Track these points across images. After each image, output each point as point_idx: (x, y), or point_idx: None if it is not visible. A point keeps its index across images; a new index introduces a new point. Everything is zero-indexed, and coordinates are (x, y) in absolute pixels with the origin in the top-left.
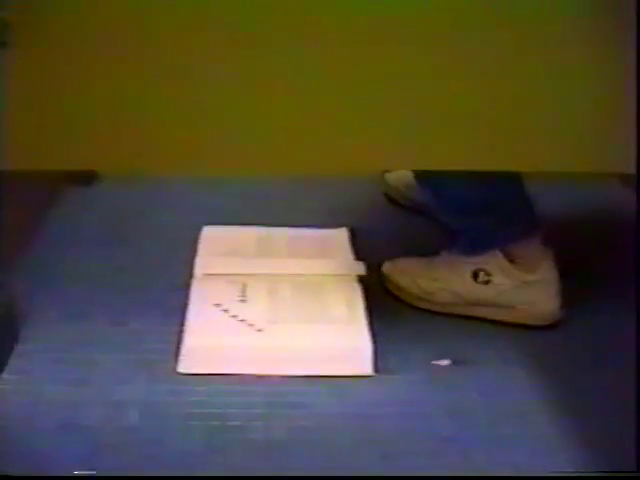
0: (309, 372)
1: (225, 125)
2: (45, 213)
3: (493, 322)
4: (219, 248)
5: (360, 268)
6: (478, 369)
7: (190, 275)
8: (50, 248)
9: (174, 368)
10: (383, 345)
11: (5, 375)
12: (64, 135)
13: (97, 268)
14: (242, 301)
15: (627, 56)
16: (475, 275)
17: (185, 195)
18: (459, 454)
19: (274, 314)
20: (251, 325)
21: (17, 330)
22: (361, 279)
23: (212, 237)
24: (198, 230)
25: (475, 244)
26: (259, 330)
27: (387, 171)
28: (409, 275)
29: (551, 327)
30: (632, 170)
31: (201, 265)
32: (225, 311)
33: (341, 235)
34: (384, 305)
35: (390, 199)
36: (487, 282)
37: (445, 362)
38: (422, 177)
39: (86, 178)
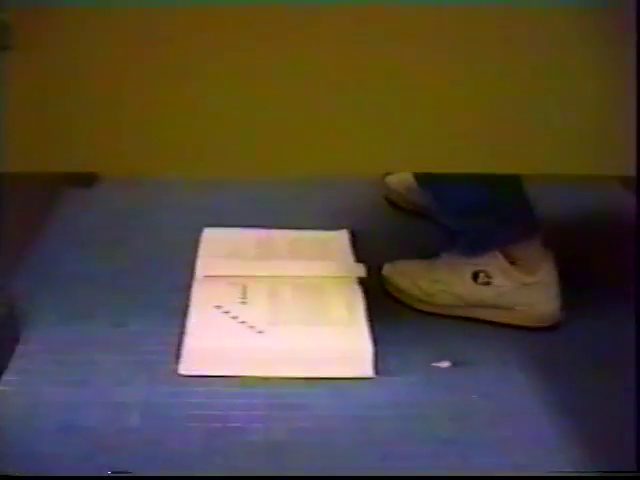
0: (309, 374)
1: (225, 127)
2: (45, 215)
3: (493, 324)
4: (220, 250)
5: (360, 270)
6: (478, 371)
7: (191, 277)
8: (50, 249)
9: (174, 370)
10: (383, 347)
11: (6, 376)
12: (64, 137)
13: (98, 269)
14: (243, 303)
15: (627, 57)
16: (475, 276)
17: (185, 197)
18: (459, 455)
19: (274, 316)
20: (252, 327)
21: (18, 331)
22: (361, 281)
23: (213, 239)
24: (199, 232)
25: (475, 245)
26: (260, 332)
27: (388, 174)
28: (409, 277)
29: (551, 329)
30: (632, 172)
31: (202, 267)
32: (226, 313)
33: (341, 237)
34: (384, 307)
35: (390, 202)
36: (487, 283)
37: (445, 364)
38: (423, 179)
39: (86, 180)
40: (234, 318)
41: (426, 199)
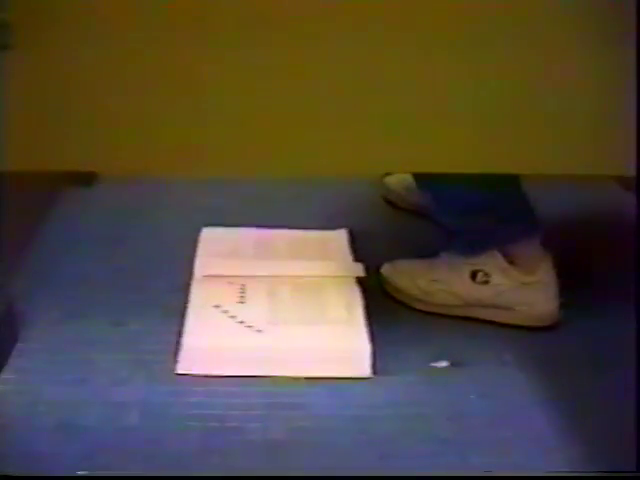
0: (308, 373)
1: (225, 127)
2: (45, 214)
3: (492, 323)
4: (219, 249)
5: (359, 270)
6: (476, 370)
7: (189, 276)
8: (50, 248)
9: (173, 369)
10: (381, 347)
11: (4, 375)
12: (64, 136)
13: (97, 269)
14: (241, 302)
15: (627, 57)
16: (474, 275)
17: (185, 196)
18: (457, 455)
19: (273, 315)
20: (250, 326)
21: (17, 330)
22: (360, 281)
23: (212, 238)
24: (198, 231)
25: (473, 244)
26: (258, 331)
27: (387, 174)
28: (408, 276)
29: (550, 328)
30: (632, 173)
31: (201, 266)
32: (224, 312)
33: (340, 237)
34: (383, 307)
35: (389, 203)
36: (486, 282)
37: (443, 364)
38: (421, 179)
39: (86, 179)
40: (232, 317)
41: (425, 199)
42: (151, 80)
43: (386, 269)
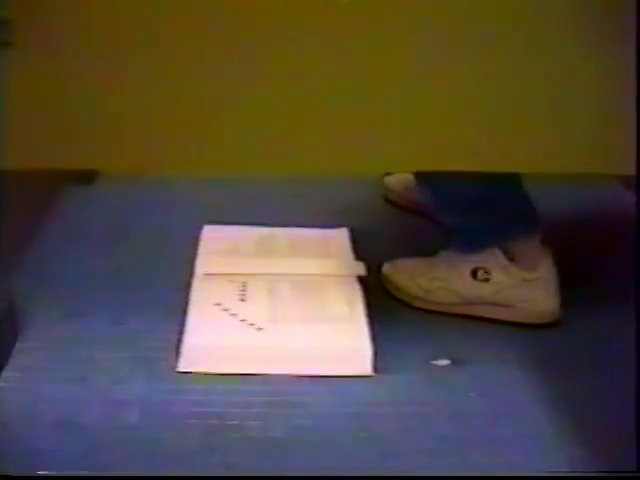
0: (308, 371)
1: (226, 125)
2: (45, 212)
3: (492, 321)
4: (220, 247)
5: (360, 268)
6: (477, 369)
7: (190, 274)
8: (50, 246)
9: (174, 367)
10: (382, 345)
11: (5, 373)
12: (64, 134)
13: (97, 267)
14: (242, 300)
15: (627, 57)
16: (474, 273)
17: (185, 194)
18: (457, 454)
19: (274, 313)
20: (251, 324)
21: (17, 328)
22: (361, 279)
23: (213, 236)
24: (198, 229)
25: (473, 242)
26: (259, 329)
27: (387, 174)
28: (409, 275)
29: (550, 327)
30: (632, 171)
31: (201, 264)
32: (225, 310)
33: (341, 235)
34: (384, 305)
35: (389, 202)
36: (486, 280)
37: (444, 362)
38: (421, 176)
39: (86, 177)
40: (233, 315)
41: (424, 197)
42: (151, 78)
43: (387, 268)
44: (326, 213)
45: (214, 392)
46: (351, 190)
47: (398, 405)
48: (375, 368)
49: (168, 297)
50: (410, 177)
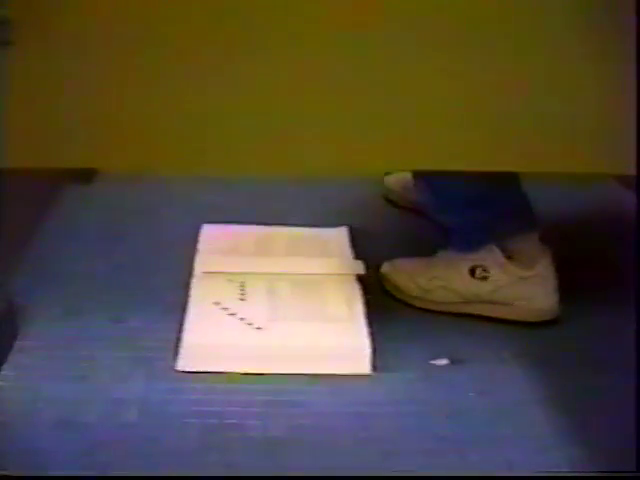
0: (307, 370)
1: (225, 125)
2: (45, 210)
3: (491, 320)
4: (219, 246)
5: (359, 267)
6: (476, 368)
7: (189, 273)
8: (50, 245)
9: (173, 366)
10: (381, 344)
11: (4, 371)
12: (64, 133)
13: (97, 265)
14: (241, 299)
15: (627, 56)
16: (472, 271)
17: (185, 193)
18: (456, 453)
19: (273, 312)
20: (250, 323)
21: (16, 326)
22: (360, 278)
23: (212, 235)
24: (198, 228)
25: (471, 240)
26: (258, 328)
27: (387, 173)
28: (407, 275)
29: (549, 326)
30: (632, 171)
31: (200, 263)
32: (224, 309)
33: (340, 235)
34: (382, 304)
35: (389, 202)
36: (484, 278)
37: (443, 361)
38: (420, 174)
39: (86, 176)
40: (233, 315)
41: (423, 197)
42: (151, 77)
43: (386, 267)
44: (325, 212)
45: (213, 391)
46: (351, 190)
47: (397, 404)
48: (374, 367)
49: (167, 296)
50: (409, 176)
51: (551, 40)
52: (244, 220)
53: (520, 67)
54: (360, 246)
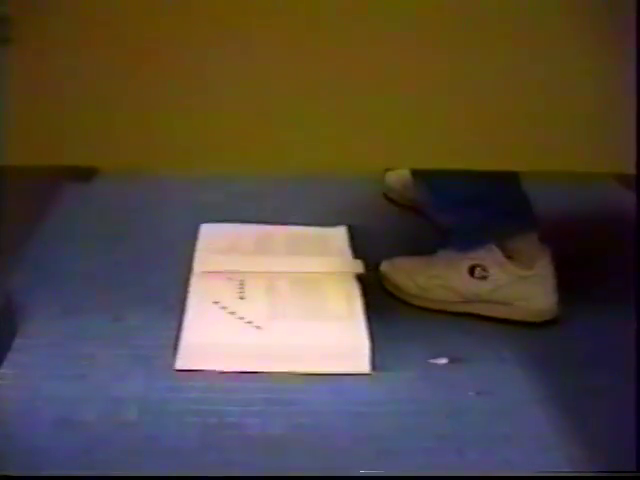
0: (307, 369)
1: (225, 123)
2: (44, 208)
3: (490, 320)
4: (218, 245)
5: (358, 266)
6: (475, 367)
7: (189, 272)
8: (49, 243)
9: (172, 364)
10: (380, 343)
11: (3, 369)
12: (64, 130)
13: (96, 264)
14: (241, 298)
15: (627, 56)
16: (472, 270)
17: (184, 192)
18: (456, 452)
19: (272, 311)
20: (249, 322)
21: (15, 324)
22: (359, 277)
23: (211, 234)
24: (197, 227)
25: (470, 239)
26: (257, 327)
27: (387, 170)
28: (407, 274)
29: (549, 325)
30: (631, 170)
31: (200, 262)
32: (223, 308)
33: (340, 233)
34: (382, 303)
35: (390, 200)
36: (484, 277)
37: (442, 360)
38: (419, 172)
39: (85, 174)
40: (232, 313)
41: (422, 196)
42: (151, 75)
43: (385, 266)
44: (324, 211)
45: (212, 390)
46: (351, 188)
47: (396, 403)
48: (373, 366)
49: (167, 294)
50: (409, 175)
51: (551, 39)
52: (243, 219)
53: (520, 66)
54: (359, 245)
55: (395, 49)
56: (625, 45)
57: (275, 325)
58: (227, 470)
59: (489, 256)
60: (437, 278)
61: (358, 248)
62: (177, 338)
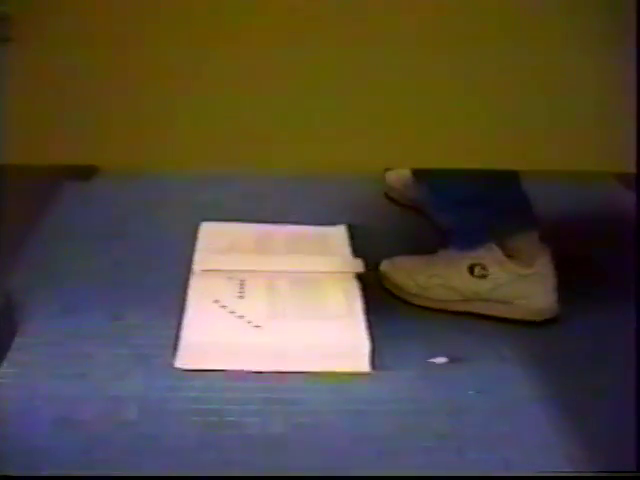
0: (306, 368)
1: (225, 122)
2: (44, 207)
3: (490, 319)
4: (218, 244)
5: (358, 265)
6: (475, 366)
7: (188, 271)
8: (48, 242)
9: (171, 363)
10: (380, 342)
11: (3, 368)
12: (63, 129)
13: (95, 263)
14: (240, 297)
15: (627, 55)
16: (471, 269)
17: (184, 191)
18: (455, 451)
19: (272, 310)
20: (249, 321)
21: (15, 323)
22: (359, 276)
23: (211, 233)
24: (197, 226)
25: (470, 238)
26: (257, 326)
27: (388, 170)
28: (407, 273)
29: (549, 324)
30: (632, 169)
31: (199, 261)
32: (223, 307)
33: (340, 232)
34: (381, 302)
35: (391, 199)
36: (484, 276)
37: (442, 359)
38: (419, 171)
39: (85, 173)
40: (231, 312)
41: (422, 195)
42: (150, 74)
43: (385, 265)
44: (324, 210)
45: (212, 389)
46: (352, 187)
47: (396, 402)
48: (373, 365)
49: (166, 293)
50: (409, 174)
51: (551, 39)
52: (243, 218)
53: (520, 66)
54: (360, 244)
55: (395, 49)
56: (625, 45)
57: (275, 324)
58: (227, 469)
59: (489, 255)
60: (437, 277)
61: (358, 247)
62: (177, 337)
